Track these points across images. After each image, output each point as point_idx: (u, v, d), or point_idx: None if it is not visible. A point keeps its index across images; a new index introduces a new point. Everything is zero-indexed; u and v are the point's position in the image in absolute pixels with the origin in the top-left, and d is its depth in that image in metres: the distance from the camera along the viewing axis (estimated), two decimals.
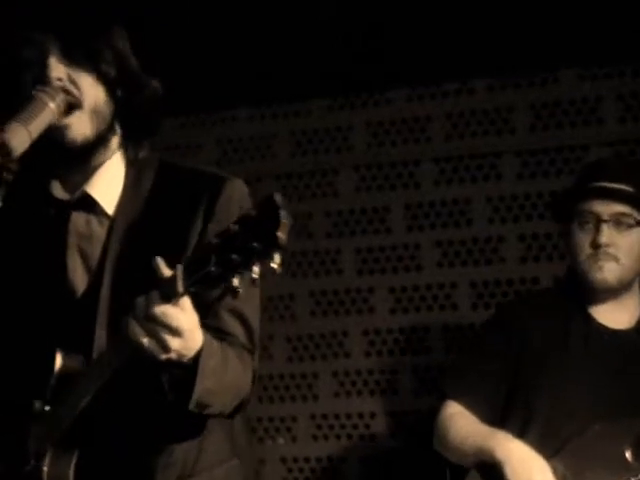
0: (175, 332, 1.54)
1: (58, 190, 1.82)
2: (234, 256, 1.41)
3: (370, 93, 3.87)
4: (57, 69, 1.73)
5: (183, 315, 1.54)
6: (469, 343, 3.26)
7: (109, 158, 1.83)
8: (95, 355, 1.72)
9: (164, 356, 1.57)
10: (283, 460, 3.58)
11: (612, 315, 2.64)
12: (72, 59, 1.75)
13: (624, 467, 2.50)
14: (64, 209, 1.81)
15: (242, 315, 1.80)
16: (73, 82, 1.74)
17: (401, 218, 3.83)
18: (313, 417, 3.87)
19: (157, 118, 1.86)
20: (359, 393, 3.83)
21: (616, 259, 2.56)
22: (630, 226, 2.57)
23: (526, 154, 3.71)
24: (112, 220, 1.81)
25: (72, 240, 1.81)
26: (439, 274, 3.77)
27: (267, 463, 3.46)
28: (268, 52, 3.59)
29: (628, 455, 2.50)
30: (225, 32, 3.52)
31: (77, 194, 1.82)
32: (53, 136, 1.71)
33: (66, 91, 1.72)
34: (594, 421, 2.54)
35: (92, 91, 1.76)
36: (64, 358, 1.71)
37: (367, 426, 3.80)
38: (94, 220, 1.82)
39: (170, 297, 1.52)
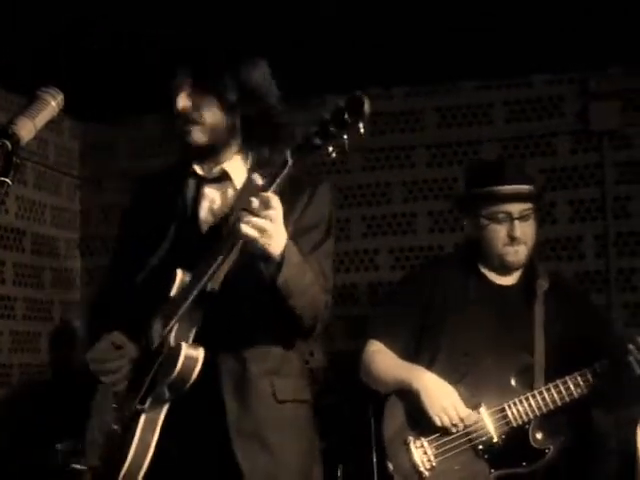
0: (267, 217, 1.74)
1: (198, 169, 2.07)
2: (331, 128, 1.64)
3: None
4: (184, 101, 2.00)
5: (274, 210, 1.74)
6: (388, 295, 3.41)
7: (230, 159, 2.05)
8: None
9: (261, 240, 1.75)
10: None
11: (499, 275, 2.84)
12: (198, 91, 1.99)
13: (510, 390, 2.70)
14: (201, 181, 2.07)
15: (320, 264, 1.99)
16: (197, 108, 1.99)
17: (335, 198, 3.93)
18: None
19: (272, 130, 2.01)
20: None
21: (525, 243, 2.76)
22: (530, 217, 2.77)
23: (434, 147, 4.12)
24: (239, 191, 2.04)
25: (205, 202, 2.06)
26: (364, 242, 4.15)
27: None
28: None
29: (513, 382, 2.71)
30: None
31: (215, 171, 2.05)
32: (182, 137, 2.00)
33: (188, 116, 1.99)
34: (485, 356, 2.72)
35: (211, 114, 1.99)
36: (183, 273, 1.98)
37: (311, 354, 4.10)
38: (228, 190, 2.05)
39: (269, 184, 1.74)
